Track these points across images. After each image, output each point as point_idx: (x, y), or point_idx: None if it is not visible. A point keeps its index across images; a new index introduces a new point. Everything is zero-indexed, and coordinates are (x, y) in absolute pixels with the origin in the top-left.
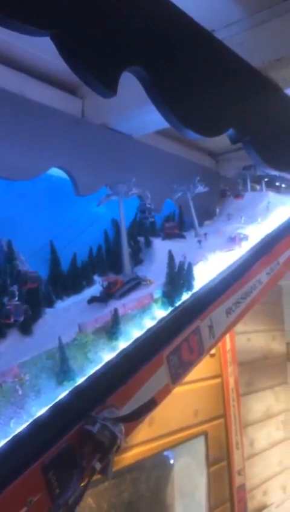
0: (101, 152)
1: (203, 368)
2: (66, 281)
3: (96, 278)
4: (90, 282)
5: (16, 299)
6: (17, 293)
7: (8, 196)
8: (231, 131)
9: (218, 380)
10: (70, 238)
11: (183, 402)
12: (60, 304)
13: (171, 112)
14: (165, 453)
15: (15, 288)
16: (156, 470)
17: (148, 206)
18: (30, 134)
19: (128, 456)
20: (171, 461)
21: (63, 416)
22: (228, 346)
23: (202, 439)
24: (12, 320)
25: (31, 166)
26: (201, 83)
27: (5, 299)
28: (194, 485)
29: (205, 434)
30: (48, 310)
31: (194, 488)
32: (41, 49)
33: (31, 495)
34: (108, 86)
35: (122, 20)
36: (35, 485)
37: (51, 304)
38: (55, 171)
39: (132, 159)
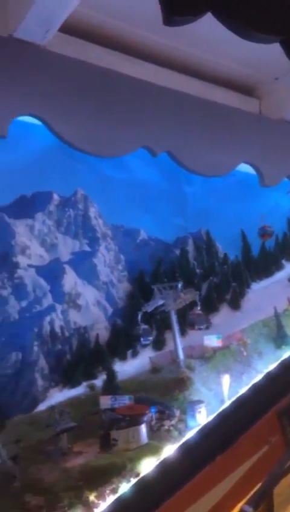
0: (281, 144)
1: None
2: (257, 265)
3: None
4: (279, 267)
5: (199, 308)
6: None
7: (204, 191)
8: None
9: None
10: (258, 226)
11: None
12: (256, 286)
13: None
14: None
15: (197, 298)
16: None
17: (268, 229)
18: (220, 133)
19: None
20: None
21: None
22: None
23: None
24: (196, 328)
25: (224, 162)
26: None
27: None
28: None
29: None
30: (247, 290)
31: None
32: (221, 56)
33: (270, 436)
34: None
35: None
36: (272, 428)
37: (248, 285)
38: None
39: None
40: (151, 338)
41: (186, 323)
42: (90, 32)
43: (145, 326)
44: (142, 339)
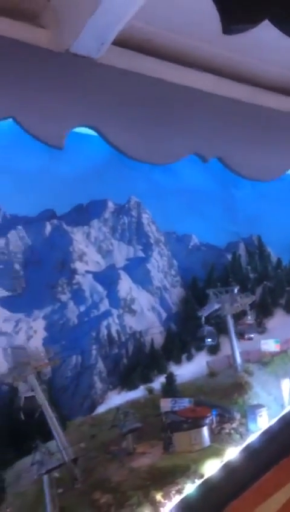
0: None
1: None
2: None
3: None
4: None
5: (249, 317)
6: (250, 312)
7: (255, 196)
8: None
9: None
10: None
11: None
12: None
13: None
14: None
15: (247, 307)
16: None
17: None
18: (270, 138)
19: None
20: None
21: None
22: None
23: None
24: (246, 338)
25: (274, 167)
26: None
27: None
28: None
29: None
30: None
31: None
32: (271, 62)
33: None
34: None
35: None
36: None
37: None
38: None
39: None
40: (216, 339)
41: (235, 333)
42: (142, 44)
43: (210, 328)
44: (207, 340)
